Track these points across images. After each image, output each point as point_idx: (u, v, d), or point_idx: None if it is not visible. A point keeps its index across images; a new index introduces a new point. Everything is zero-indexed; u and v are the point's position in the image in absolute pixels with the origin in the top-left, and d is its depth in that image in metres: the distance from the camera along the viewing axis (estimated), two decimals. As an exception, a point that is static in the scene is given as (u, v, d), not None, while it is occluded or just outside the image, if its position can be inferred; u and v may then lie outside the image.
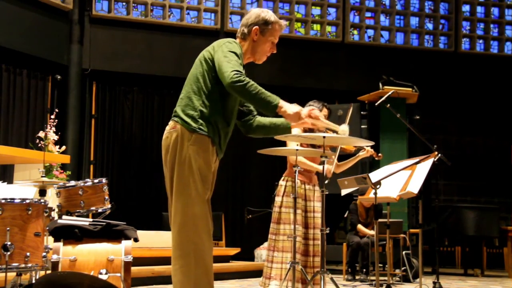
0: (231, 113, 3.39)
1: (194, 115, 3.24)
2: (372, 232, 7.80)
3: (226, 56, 3.20)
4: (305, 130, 4.67)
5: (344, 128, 3.80)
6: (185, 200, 3.19)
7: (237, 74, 3.11)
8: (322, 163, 4.13)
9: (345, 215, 8.29)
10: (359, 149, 5.24)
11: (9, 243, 3.61)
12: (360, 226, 7.98)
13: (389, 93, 6.23)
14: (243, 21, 3.48)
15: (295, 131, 4.90)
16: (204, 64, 3.29)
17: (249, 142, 10.02)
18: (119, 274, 3.46)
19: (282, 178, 4.98)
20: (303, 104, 3.62)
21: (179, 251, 3.17)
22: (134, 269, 3.76)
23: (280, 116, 3.31)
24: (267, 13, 3.46)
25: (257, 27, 3.42)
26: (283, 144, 4.63)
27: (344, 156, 5.26)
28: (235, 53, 3.23)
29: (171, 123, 3.31)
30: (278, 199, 4.90)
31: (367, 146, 5.09)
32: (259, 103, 3.17)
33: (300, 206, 4.77)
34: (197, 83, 3.29)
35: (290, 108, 3.22)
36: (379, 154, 5.33)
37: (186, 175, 3.20)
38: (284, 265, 4.72)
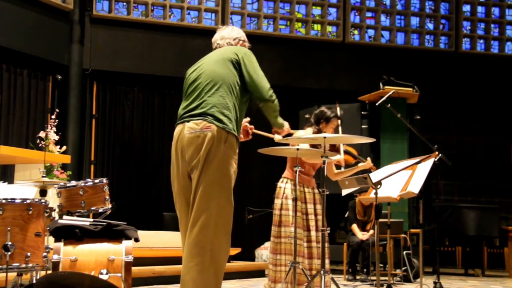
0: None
1: (230, 115, 3.31)
2: (366, 236, 7.79)
3: (259, 71, 3.44)
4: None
5: (278, 137, 4.10)
6: (217, 201, 3.24)
7: (273, 92, 3.42)
8: (323, 162, 4.14)
9: (346, 215, 8.28)
10: (358, 161, 5.28)
11: (9, 243, 3.61)
12: (354, 227, 7.97)
13: (390, 93, 6.24)
14: (236, 34, 3.70)
15: (300, 133, 4.92)
16: (231, 67, 3.39)
17: (250, 142, 10.05)
18: (119, 274, 3.46)
19: (281, 179, 4.96)
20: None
21: (197, 249, 3.20)
22: (134, 269, 3.76)
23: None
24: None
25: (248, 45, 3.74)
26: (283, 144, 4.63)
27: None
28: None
29: (200, 121, 3.29)
30: (277, 202, 4.87)
31: (367, 173, 5.12)
32: (274, 120, 3.57)
33: (300, 208, 4.74)
34: (227, 84, 3.35)
35: (285, 126, 3.73)
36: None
37: (221, 176, 3.26)
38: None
